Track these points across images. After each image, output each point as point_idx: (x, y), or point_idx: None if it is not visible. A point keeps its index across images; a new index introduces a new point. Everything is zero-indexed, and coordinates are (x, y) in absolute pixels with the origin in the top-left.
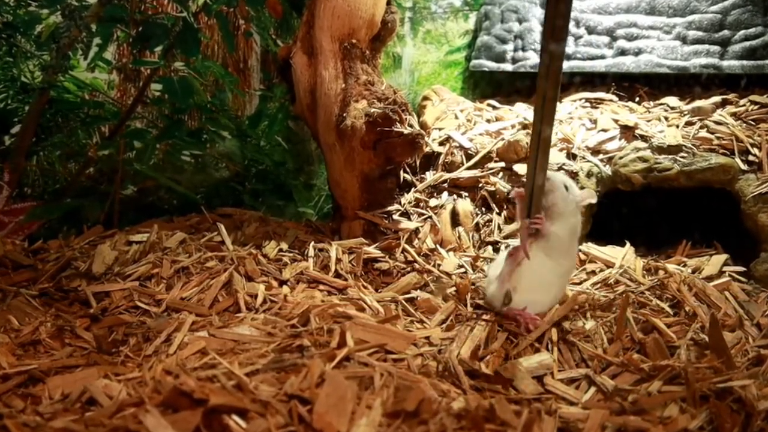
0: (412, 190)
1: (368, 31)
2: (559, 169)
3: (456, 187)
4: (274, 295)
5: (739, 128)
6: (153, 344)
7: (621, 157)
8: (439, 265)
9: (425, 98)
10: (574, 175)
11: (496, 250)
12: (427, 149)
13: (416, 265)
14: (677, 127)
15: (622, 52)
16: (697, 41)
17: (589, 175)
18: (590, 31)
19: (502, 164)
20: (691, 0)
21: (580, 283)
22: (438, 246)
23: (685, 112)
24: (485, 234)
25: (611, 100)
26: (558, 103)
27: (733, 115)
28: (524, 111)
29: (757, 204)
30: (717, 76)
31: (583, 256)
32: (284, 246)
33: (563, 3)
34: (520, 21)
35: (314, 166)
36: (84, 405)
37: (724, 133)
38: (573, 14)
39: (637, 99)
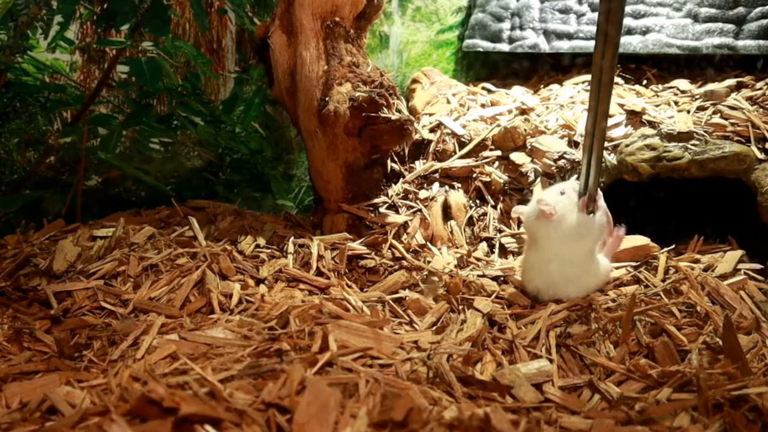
0: (401, 180)
1: (353, 8)
2: (560, 158)
3: (448, 178)
4: (250, 294)
5: (756, 113)
6: (119, 348)
7: (627, 145)
8: (429, 262)
9: (414, 81)
10: (576, 164)
11: (491, 246)
12: (416, 136)
13: (404, 263)
14: (688, 112)
15: (629, 31)
16: (710, 19)
17: None
18: (594, 8)
19: (498, 153)
20: None
21: None
22: (428, 242)
23: (697, 96)
24: (479, 228)
25: (617, 83)
26: (559, 86)
27: (749, 99)
28: (521, 95)
29: None
30: (731, 57)
31: None
32: (261, 241)
33: None
34: None
35: (294, 154)
36: (44, 414)
37: (739, 118)
38: None
39: (645, 82)
